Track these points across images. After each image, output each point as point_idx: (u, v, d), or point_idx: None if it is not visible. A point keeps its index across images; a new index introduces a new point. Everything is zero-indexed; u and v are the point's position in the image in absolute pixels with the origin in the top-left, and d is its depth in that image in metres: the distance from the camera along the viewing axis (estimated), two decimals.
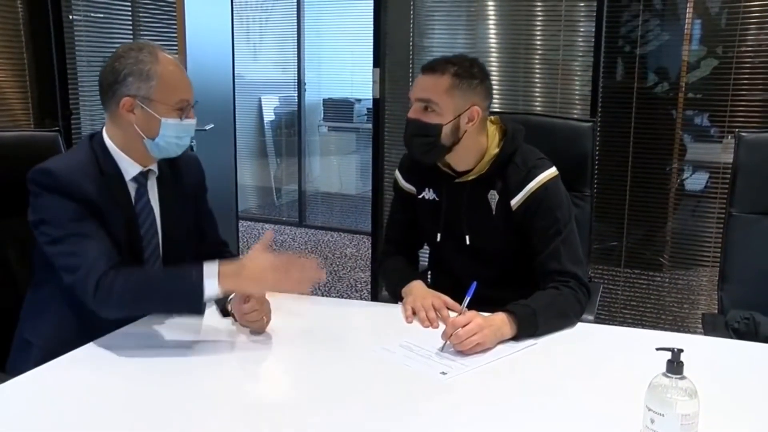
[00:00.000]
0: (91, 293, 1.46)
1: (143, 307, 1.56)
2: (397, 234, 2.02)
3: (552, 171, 1.80)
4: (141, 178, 1.65)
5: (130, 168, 1.63)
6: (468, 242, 1.85)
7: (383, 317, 1.78)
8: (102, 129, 1.65)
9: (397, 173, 1.97)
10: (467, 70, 1.75)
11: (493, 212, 1.81)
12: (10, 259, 1.75)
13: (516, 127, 1.85)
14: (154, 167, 1.68)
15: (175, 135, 1.61)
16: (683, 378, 1.08)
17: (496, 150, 1.80)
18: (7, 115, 3.12)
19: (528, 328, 1.57)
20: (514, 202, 1.78)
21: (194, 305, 1.46)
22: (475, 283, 1.59)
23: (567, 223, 1.77)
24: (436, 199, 1.88)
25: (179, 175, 1.75)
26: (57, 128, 1.95)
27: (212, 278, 1.44)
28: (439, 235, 1.88)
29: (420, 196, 1.91)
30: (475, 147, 1.80)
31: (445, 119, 1.73)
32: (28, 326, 1.62)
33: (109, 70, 1.59)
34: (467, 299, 1.58)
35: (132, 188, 1.64)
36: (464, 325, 1.48)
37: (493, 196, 1.81)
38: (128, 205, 1.62)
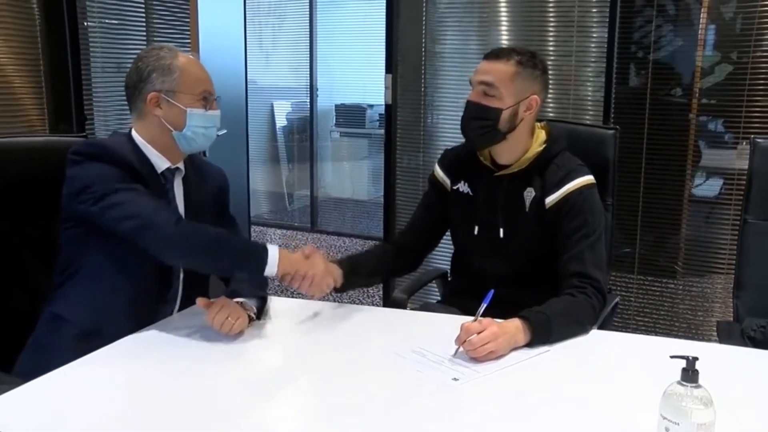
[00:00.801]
0: (171, 226, 1.51)
1: (213, 258, 1.59)
2: (410, 226, 2.07)
3: (590, 178, 1.83)
4: (168, 174, 1.71)
5: (159, 162, 1.69)
6: (501, 236, 1.85)
7: (395, 323, 1.78)
8: (129, 130, 1.71)
9: (436, 165, 2.01)
10: (530, 59, 1.80)
11: (527, 209, 1.83)
12: (25, 260, 1.77)
13: (561, 134, 1.89)
14: (181, 166, 1.74)
15: (201, 125, 1.68)
16: (699, 386, 1.07)
17: (539, 149, 1.84)
18: (23, 121, 3.15)
19: (542, 335, 1.56)
20: (549, 200, 1.80)
21: (259, 267, 1.55)
22: (492, 291, 1.58)
23: (596, 230, 1.79)
24: (471, 193, 1.90)
25: (204, 179, 1.81)
26: (83, 134, 1.99)
27: (275, 255, 1.55)
28: (477, 227, 1.89)
29: (454, 188, 1.94)
30: (523, 141, 1.84)
31: (505, 104, 1.77)
32: (61, 303, 1.64)
33: (134, 71, 1.68)
34: (483, 306, 1.56)
35: (162, 179, 1.70)
36: (479, 332, 1.47)
37: (529, 194, 1.83)
38: (160, 191, 1.67)
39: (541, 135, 1.87)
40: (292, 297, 1.92)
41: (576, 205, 1.78)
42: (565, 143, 1.88)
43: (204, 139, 1.71)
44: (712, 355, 1.38)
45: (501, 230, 1.86)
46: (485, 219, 1.89)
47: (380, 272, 2.09)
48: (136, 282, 1.63)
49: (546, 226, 1.81)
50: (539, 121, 1.92)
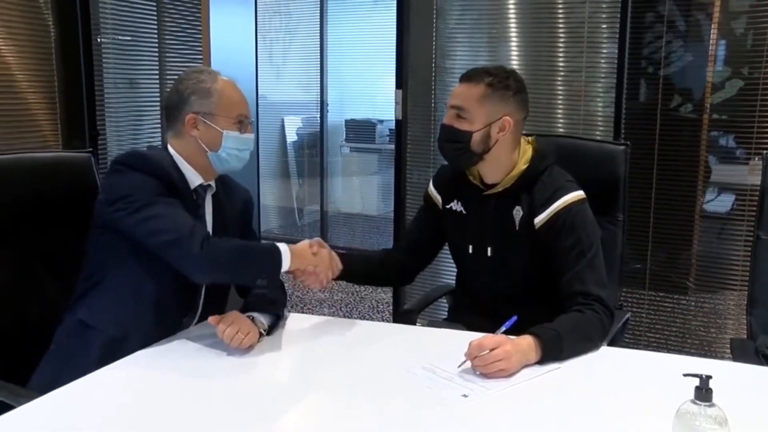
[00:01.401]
0: (197, 248, 1.56)
1: (237, 272, 1.67)
2: (405, 242, 2.10)
3: (578, 194, 1.79)
4: (201, 190, 1.76)
5: (193, 178, 1.75)
6: (489, 254, 1.84)
7: (406, 338, 1.77)
8: (165, 145, 1.77)
9: (430, 182, 2.02)
10: (503, 80, 1.78)
11: (516, 228, 1.81)
12: (40, 274, 1.78)
13: (549, 147, 1.88)
14: (213, 183, 1.79)
15: (235, 147, 1.74)
16: (712, 405, 1.06)
17: (524, 166, 1.82)
18: (37, 136, 3.18)
19: (553, 352, 1.55)
20: (538, 220, 1.78)
21: (276, 267, 1.63)
22: (515, 317, 1.57)
23: (591, 246, 1.76)
24: (464, 212, 1.89)
25: (231, 196, 1.86)
26: (89, 150, 2.02)
27: (287, 254, 1.63)
28: (471, 246, 1.89)
29: (447, 207, 1.94)
30: (506, 160, 1.82)
31: (475, 127, 1.76)
32: (86, 310, 1.66)
33: (174, 93, 1.74)
34: (503, 329, 1.55)
35: (194, 195, 1.75)
36: (491, 349, 1.46)
37: (518, 212, 1.82)
38: (193, 208, 1.72)
39: (528, 152, 1.85)
40: (303, 312, 1.92)
41: (567, 223, 1.76)
42: (553, 158, 1.85)
43: (237, 161, 1.76)
44: (725, 373, 1.36)
45: (489, 249, 1.85)
46: (477, 238, 1.88)
47: (376, 278, 2.16)
48: (161, 292, 1.66)
49: (537, 244, 1.79)
50: (531, 135, 1.91)
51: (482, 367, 1.46)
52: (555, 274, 1.77)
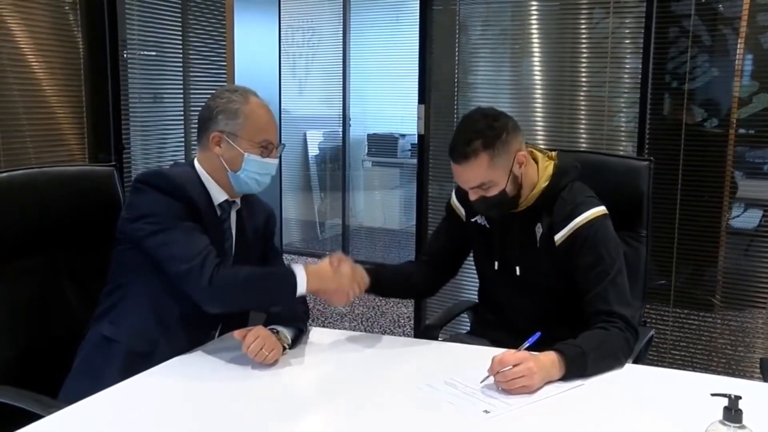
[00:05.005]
0: (206, 282, 1.56)
1: (248, 301, 1.68)
2: (429, 255, 2.07)
3: (600, 209, 1.77)
4: (225, 206, 1.76)
5: (218, 194, 1.75)
6: (518, 273, 1.83)
7: (427, 353, 1.76)
8: (194, 159, 1.78)
9: (453, 195, 2.00)
10: (492, 131, 1.71)
11: (537, 245, 1.79)
12: (66, 290, 1.81)
13: (570, 164, 1.84)
14: (237, 199, 1.80)
15: (256, 171, 1.73)
16: (743, 427, 1.03)
17: (545, 183, 1.79)
18: (64, 150, 3.24)
19: (577, 370, 1.53)
20: (558, 237, 1.76)
21: (291, 293, 1.63)
22: (538, 333, 1.55)
23: (614, 264, 1.73)
24: (487, 226, 1.88)
25: (255, 213, 1.87)
26: (113, 163, 2.03)
27: (302, 277, 1.62)
28: (496, 263, 1.87)
29: (472, 220, 1.92)
30: (527, 181, 1.80)
31: (502, 184, 1.74)
32: (110, 326, 1.68)
33: (205, 108, 1.75)
34: (526, 345, 1.53)
35: (218, 210, 1.76)
36: (514, 365, 1.45)
37: (539, 229, 1.80)
38: (216, 224, 1.73)
39: (549, 168, 1.82)
40: (324, 326, 1.92)
41: (588, 240, 1.73)
42: (575, 173, 1.83)
43: (256, 184, 1.76)
44: (755, 393, 1.33)
45: (517, 268, 1.84)
46: (502, 256, 1.87)
47: (401, 291, 2.14)
48: (186, 308, 1.66)
49: (559, 262, 1.77)
50: (553, 150, 1.88)
51: (504, 383, 1.45)
52: (578, 293, 1.74)
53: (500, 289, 1.91)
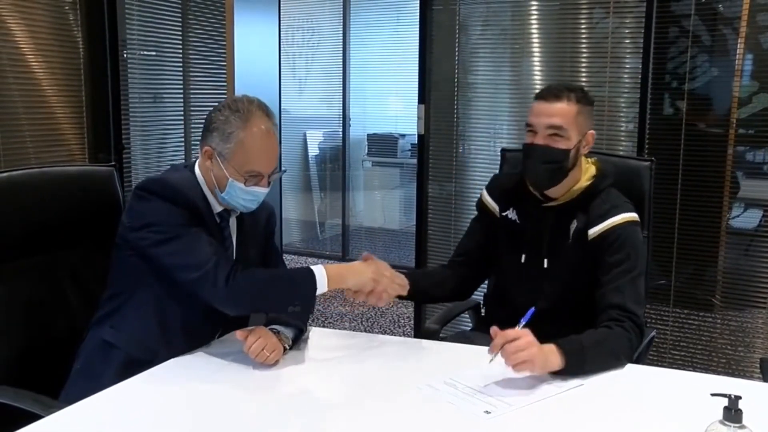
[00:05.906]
0: (222, 286, 1.55)
1: (265, 304, 1.66)
2: (464, 255, 2.05)
3: (635, 216, 1.82)
4: (225, 214, 1.74)
5: (215, 204, 1.72)
6: (546, 266, 1.85)
7: (428, 353, 1.76)
8: (195, 162, 1.74)
9: (484, 191, 2.02)
10: (584, 95, 1.82)
11: (570, 240, 1.82)
12: (66, 290, 1.80)
13: (610, 170, 1.90)
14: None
15: (239, 196, 1.68)
16: (743, 427, 1.03)
17: (587, 183, 1.85)
18: (64, 150, 3.24)
19: (576, 363, 1.53)
20: (592, 231, 1.80)
21: (308, 303, 1.61)
22: (533, 308, 1.57)
23: (637, 266, 1.77)
24: (517, 221, 1.91)
25: (255, 214, 1.82)
26: (113, 163, 2.03)
27: (323, 276, 1.60)
28: (524, 256, 1.89)
29: (503, 215, 1.94)
30: (575, 176, 1.85)
31: (571, 144, 1.78)
32: (109, 331, 1.67)
33: (208, 116, 1.70)
34: (522, 323, 1.55)
35: (217, 219, 1.73)
36: (513, 340, 1.46)
37: (574, 225, 1.83)
38: (216, 231, 1.71)
39: (591, 170, 1.88)
40: (324, 326, 1.92)
41: (620, 239, 1.77)
42: (612, 180, 1.88)
43: (242, 207, 1.72)
44: (755, 393, 1.34)
45: (545, 260, 1.86)
46: (532, 249, 1.89)
47: (431, 297, 2.18)
48: (188, 315, 1.66)
49: (587, 257, 1.79)
50: (589, 156, 1.92)
51: (507, 357, 1.46)
52: (596, 286, 1.76)
53: (520, 284, 1.91)
